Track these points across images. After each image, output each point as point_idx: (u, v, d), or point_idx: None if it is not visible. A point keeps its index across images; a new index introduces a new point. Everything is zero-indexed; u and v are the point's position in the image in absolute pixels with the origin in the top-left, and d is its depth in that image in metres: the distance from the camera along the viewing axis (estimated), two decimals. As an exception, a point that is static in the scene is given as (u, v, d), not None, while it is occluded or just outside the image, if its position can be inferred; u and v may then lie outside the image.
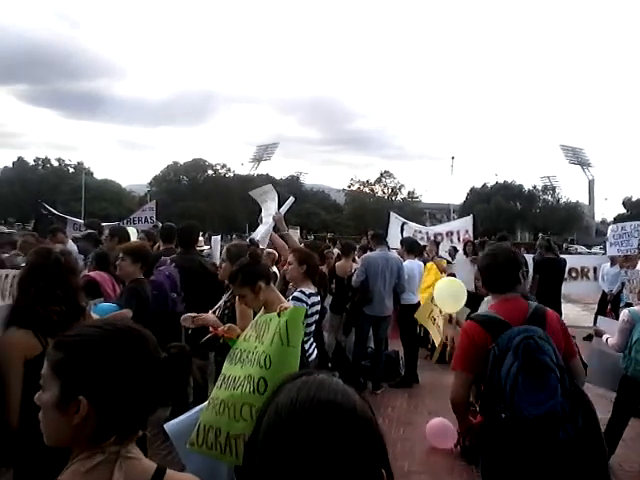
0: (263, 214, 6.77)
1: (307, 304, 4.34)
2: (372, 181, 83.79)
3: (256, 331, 3.15)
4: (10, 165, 76.76)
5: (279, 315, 2.99)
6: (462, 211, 63.82)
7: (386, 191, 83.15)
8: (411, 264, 8.14)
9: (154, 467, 1.32)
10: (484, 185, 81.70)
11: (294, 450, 0.86)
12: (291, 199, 6.73)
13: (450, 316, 5.31)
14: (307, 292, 4.76)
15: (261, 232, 6.29)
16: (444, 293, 5.71)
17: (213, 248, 8.97)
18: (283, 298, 3.71)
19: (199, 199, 69.43)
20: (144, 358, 1.30)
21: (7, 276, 4.24)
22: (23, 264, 6.02)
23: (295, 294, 4.43)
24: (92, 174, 77.94)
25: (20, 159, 77.56)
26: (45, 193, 63.75)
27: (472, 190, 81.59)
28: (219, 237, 9.55)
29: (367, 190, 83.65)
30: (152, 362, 1.31)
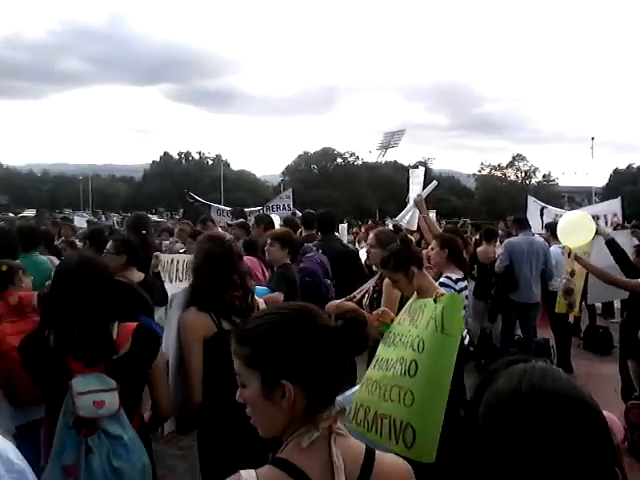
0: (409, 197, 6.73)
1: (455, 290, 4.25)
2: (504, 165, 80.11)
3: (410, 315, 3.14)
4: (158, 159, 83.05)
5: (435, 301, 2.95)
6: (606, 194, 59.03)
7: (519, 175, 79.12)
8: (558, 249, 7.70)
9: (363, 446, 1.35)
10: (629, 166, 74.98)
11: (520, 436, 0.84)
12: (434, 183, 6.61)
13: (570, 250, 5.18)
14: (454, 277, 4.65)
15: (405, 216, 6.24)
16: (568, 226, 5.56)
17: (340, 235, 9.09)
18: (437, 284, 3.66)
19: (330, 187, 70.54)
20: (324, 330, 1.32)
21: (173, 261, 4.60)
22: (181, 250, 6.53)
23: (442, 280, 4.36)
24: (229, 165, 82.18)
25: (166, 153, 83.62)
26: (188, 185, 68.13)
27: (616, 171, 75.21)
28: (346, 225, 9.66)
29: (499, 174, 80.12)
30: (331, 331, 1.33)
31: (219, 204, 15.66)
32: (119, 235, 4.61)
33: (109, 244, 4.21)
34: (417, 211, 5.91)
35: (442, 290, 3.35)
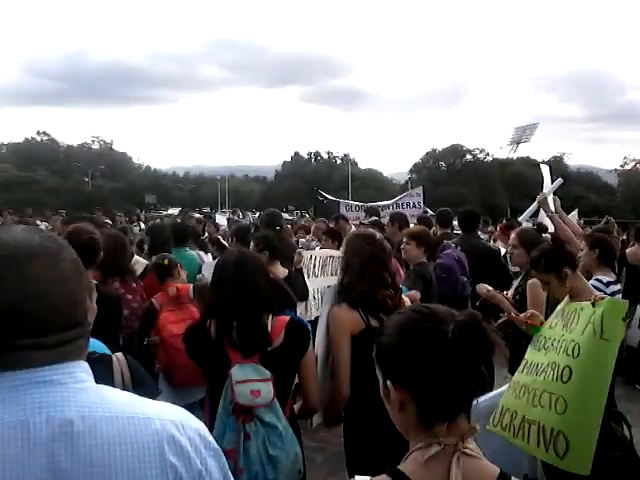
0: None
1: (606, 294, 3.98)
2: (651, 158, 73.01)
3: (563, 319, 2.98)
4: (289, 159, 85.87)
5: (593, 305, 2.77)
6: None
7: (671, 169, 71.85)
8: None
9: (497, 471, 1.23)
10: None
11: None
12: (559, 181, 6.24)
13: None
14: (605, 280, 4.35)
15: (529, 214, 5.98)
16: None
17: None
18: (592, 287, 3.44)
19: (458, 184, 68.80)
20: (436, 334, 1.22)
21: (312, 257, 4.73)
22: (317, 247, 6.69)
23: (591, 282, 4.09)
24: (357, 164, 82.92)
25: (296, 154, 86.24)
26: (318, 183, 69.90)
27: None
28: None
29: (644, 169, 73.26)
30: (445, 337, 1.21)
31: (343, 200, 15.86)
32: (259, 232, 4.81)
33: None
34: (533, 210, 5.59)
35: (600, 294, 3.15)
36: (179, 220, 11.93)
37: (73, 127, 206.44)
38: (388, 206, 11.88)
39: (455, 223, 7.62)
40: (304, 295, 4.34)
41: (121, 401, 1.05)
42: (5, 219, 13.08)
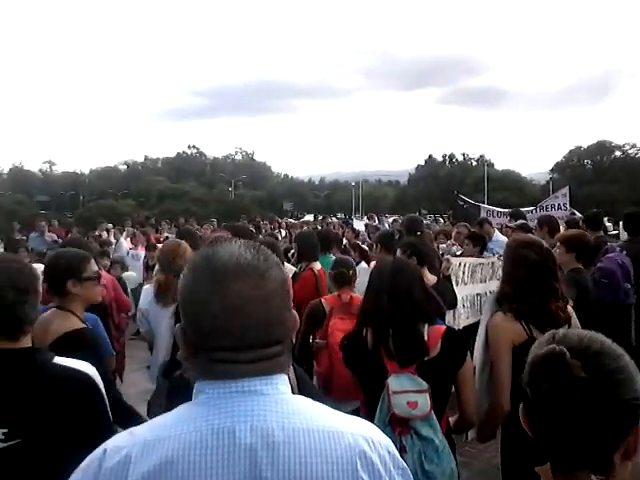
0: None
1: None
2: None
3: None
4: (423, 163, 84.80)
5: None
6: None
7: None
8: None
9: None
10: None
11: None
12: None
13: None
14: None
15: None
16: None
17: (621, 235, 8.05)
18: None
19: (606, 183, 63.75)
20: (562, 374, 1.10)
21: (460, 264, 4.63)
22: (458, 253, 6.54)
23: None
24: (493, 165, 79.83)
25: (430, 156, 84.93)
26: (452, 186, 68.27)
27: None
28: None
29: None
30: (570, 380, 1.09)
31: (483, 204, 15.33)
32: (406, 239, 4.79)
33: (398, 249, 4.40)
34: None
35: None
36: (318, 227, 12.25)
37: (219, 139, 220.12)
38: (533, 210, 11.36)
39: (608, 225, 7.07)
40: (453, 303, 4.25)
41: (315, 413, 1.07)
42: (163, 228, 14.26)
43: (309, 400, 1.11)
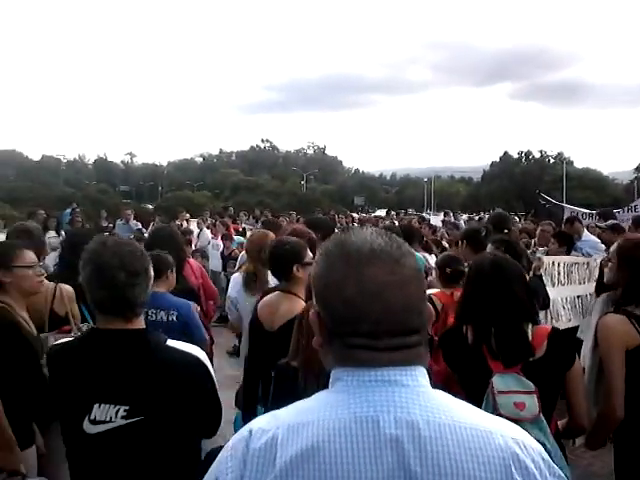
0: None
1: None
2: None
3: None
4: (497, 160, 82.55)
5: None
6: None
7: None
8: None
9: None
10: None
11: None
12: None
13: None
14: None
15: None
16: None
17: None
18: None
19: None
20: None
21: (554, 263, 4.47)
22: (541, 250, 6.32)
23: None
24: (572, 163, 76.67)
25: (506, 153, 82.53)
26: (528, 184, 66.16)
27: None
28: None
29: None
30: None
31: (562, 203, 14.75)
32: (498, 235, 4.64)
33: (489, 245, 4.28)
34: None
35: None
36: (395, 222, 12.13)
37: (292, 134, 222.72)
38: (620, 210, 10.87)
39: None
40: (545, 303, 4.10)
41: (458, 409, 1.03)
42: (241, 220, 14.58)
43: (449, 395, 1.07)
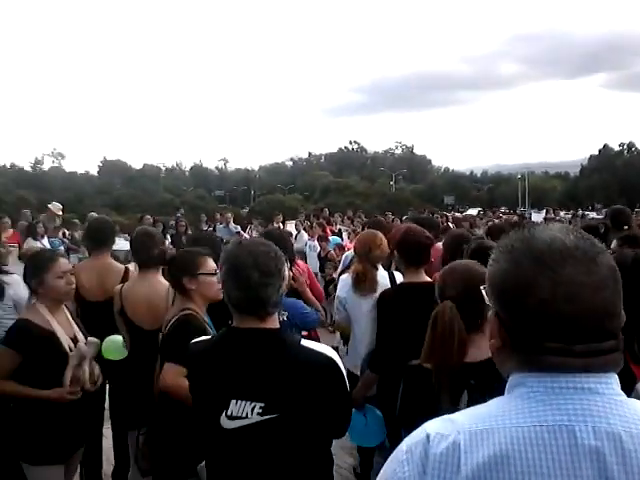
0: None
1: None
2: None
3: None
4: (596, 153, 78.29)
5: None
6: None
7: None
8: None
9: None
10: None
11: None
12: None
13: None
14: None
15: None
16: None
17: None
18: None
19: None
20: None
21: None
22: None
23: None
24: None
25: (606, 146, 78.12)
26: (630, 178, 62.16)
27: None
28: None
29: None
30: None
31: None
32: (625, 232, 4.34)
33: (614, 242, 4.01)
34: None
35: None
36: (495, 220, 11.75)
37: (379, 134, 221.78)
38: None
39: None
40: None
41: None
42: (336, 220, 14.65)
43: None
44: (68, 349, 2.94)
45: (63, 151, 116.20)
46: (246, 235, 12.73)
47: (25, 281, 3.11)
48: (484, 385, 1.90)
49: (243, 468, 1.89)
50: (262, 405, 1.84)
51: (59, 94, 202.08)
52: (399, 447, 1.02)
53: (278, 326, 1.98)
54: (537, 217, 14.39)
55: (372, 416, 3.34)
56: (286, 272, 1.98)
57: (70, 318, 3.17)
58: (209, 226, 14.03)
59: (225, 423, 1.87)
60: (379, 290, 3.78)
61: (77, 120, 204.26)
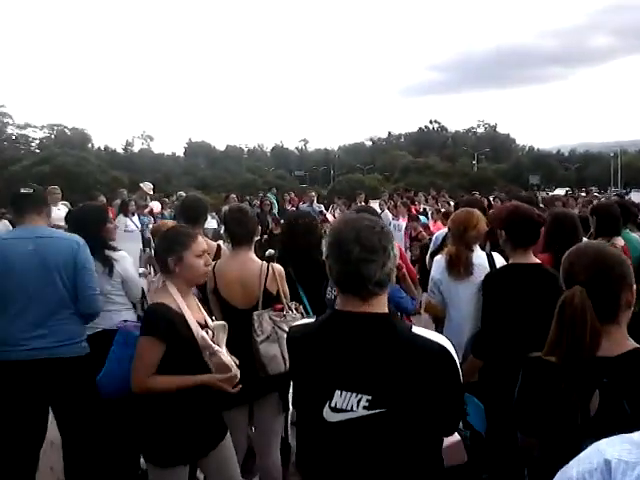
0: None
1: None
2: None
3: None
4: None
5: None
6: None
7: None
8: None
9: None
10: None
11: None
12: None
13: None
14: None
15: None
16: None
17: None
18: None
19: None
20: None
21: None
22: None
23: None
24: None
25: None
26: None
27: None
28: None
29: None
30: None
31: None
32: None
33: None
34: None
35: None
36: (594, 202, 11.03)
37: (460, 113, 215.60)
38: None
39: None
40: None
41: None
42: (420, 199, 14.34)
43: None
44: (199, 336, 2.70)
45: (152, 133, 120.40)
46: (329, 214, 12.67)
47: (158, 258, 2.85)
48: (620, 384, 1.68)
49: (345, 465, 1.75)
50: (369, 398, 1.69)
51: (148, 80, 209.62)
52: (565, 474, 0.84)
53: (387, 310, 1.81)
54: (637, 197, 13.35)
55: (472, 407, 3.15)
56: (394, 251, 1.80)
57: (198, 302, 2.98)
58: (292, 205, 14.08)
59: (328, 415, 1.73)
60: (476, 272, 3.59)
61: (165, 104, 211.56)
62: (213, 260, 3.73)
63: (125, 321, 3.33)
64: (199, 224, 4.16)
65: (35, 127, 67.91)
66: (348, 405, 1.71)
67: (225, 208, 7.83)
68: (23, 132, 63.50)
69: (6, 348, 3.32)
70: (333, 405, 1.73)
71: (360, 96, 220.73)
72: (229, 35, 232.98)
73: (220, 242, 4.39)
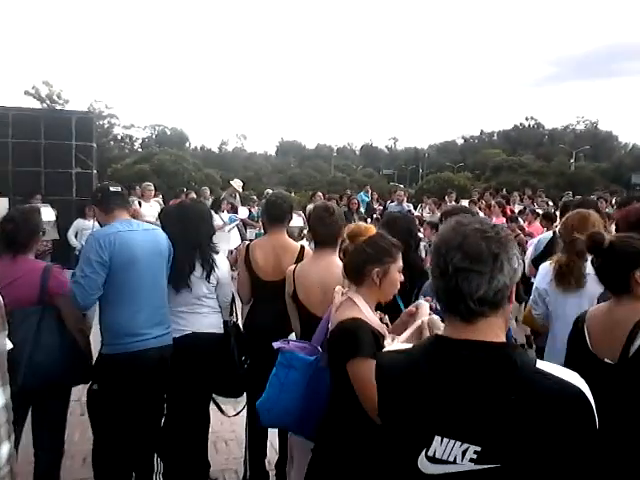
0: None
1: None
2: None
3: None
4: None
5: None
6: None
7: None
8: None
9: None
10: None
11: None
12: None
13: None
14: None
15: None
16: None
17: None
18: None
19: None
20: None
21: None
22: None
23: None
24: None
25: None
26: None
27: None
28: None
29: None
30: None
31: None
32: None
33: None
34: None
35: None
36: None
37: (558, 109, 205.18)
38: None
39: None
40: None
41: None
42: (514, 200, 13.62)
43: None
44: None
45: (246, 133, 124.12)
46: (417, 213, 12.25)
47: (353, 266, 2.53)
48: None
49: None
50: (477, 450, 1.34)
51: (244, 81, 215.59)
52: None
53: (502, 338, 1.45)
54: None
55: None
56: (513, 263, 1.42)
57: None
58: (380, 204, 13.78)
59: (424, 466, 1.40)
60: (589, 284, 3.17)
61: (259, 103, 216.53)
62: (295, 262, 3.51)
63: (286, 341, 2.87)
64: (282, 223, 3.98)
65: (139, 127, 71.64)
66: (450, 456, 1.37)
67: (310, 206, 7.62)
68: (128, 132, 67.01)
69: (136, 338, 3.39)
70: (431, 454, 1.40)
71: (450, 94, 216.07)
72: (321, 36, 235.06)
73: (304, 241, 4.19)
